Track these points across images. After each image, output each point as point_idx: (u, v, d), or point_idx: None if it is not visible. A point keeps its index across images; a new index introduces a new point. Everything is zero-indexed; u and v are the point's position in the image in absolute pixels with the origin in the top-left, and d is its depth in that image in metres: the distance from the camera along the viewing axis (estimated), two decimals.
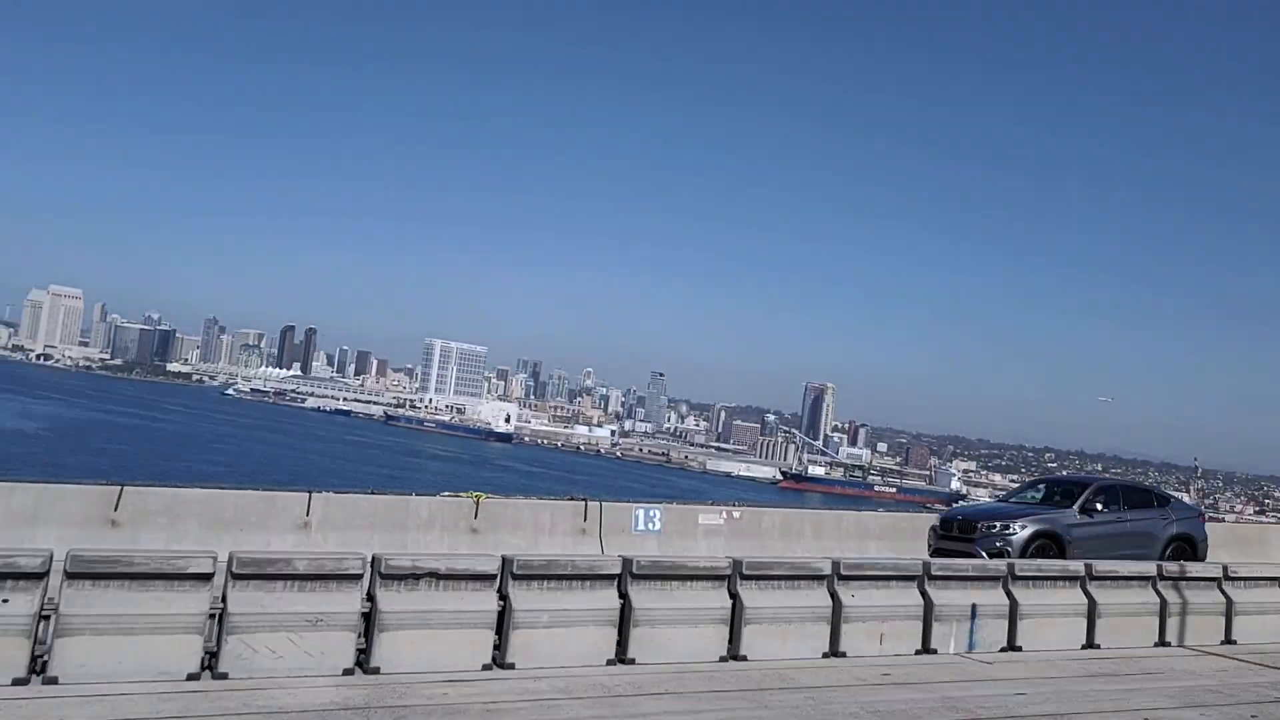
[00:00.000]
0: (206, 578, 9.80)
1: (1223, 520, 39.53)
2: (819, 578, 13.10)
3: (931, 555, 17.85)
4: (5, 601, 9.02)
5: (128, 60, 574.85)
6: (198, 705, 8.94)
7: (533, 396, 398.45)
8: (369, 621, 10.41)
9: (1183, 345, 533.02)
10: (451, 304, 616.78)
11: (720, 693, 10.77)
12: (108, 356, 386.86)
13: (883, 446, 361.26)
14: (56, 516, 14.94)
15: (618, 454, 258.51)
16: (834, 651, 12.82)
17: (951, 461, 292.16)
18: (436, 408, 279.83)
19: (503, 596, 11.08)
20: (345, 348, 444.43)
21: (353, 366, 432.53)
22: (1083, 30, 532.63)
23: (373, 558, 10.65)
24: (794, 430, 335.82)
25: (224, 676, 9.66)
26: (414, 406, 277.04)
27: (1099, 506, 19.01)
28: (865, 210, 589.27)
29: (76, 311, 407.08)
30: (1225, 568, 16.88)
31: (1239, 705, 11.92)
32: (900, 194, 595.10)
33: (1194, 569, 16.76)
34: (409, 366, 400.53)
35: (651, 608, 11.73)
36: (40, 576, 9.21)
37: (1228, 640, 16.11)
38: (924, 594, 13.75)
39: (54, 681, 9.04)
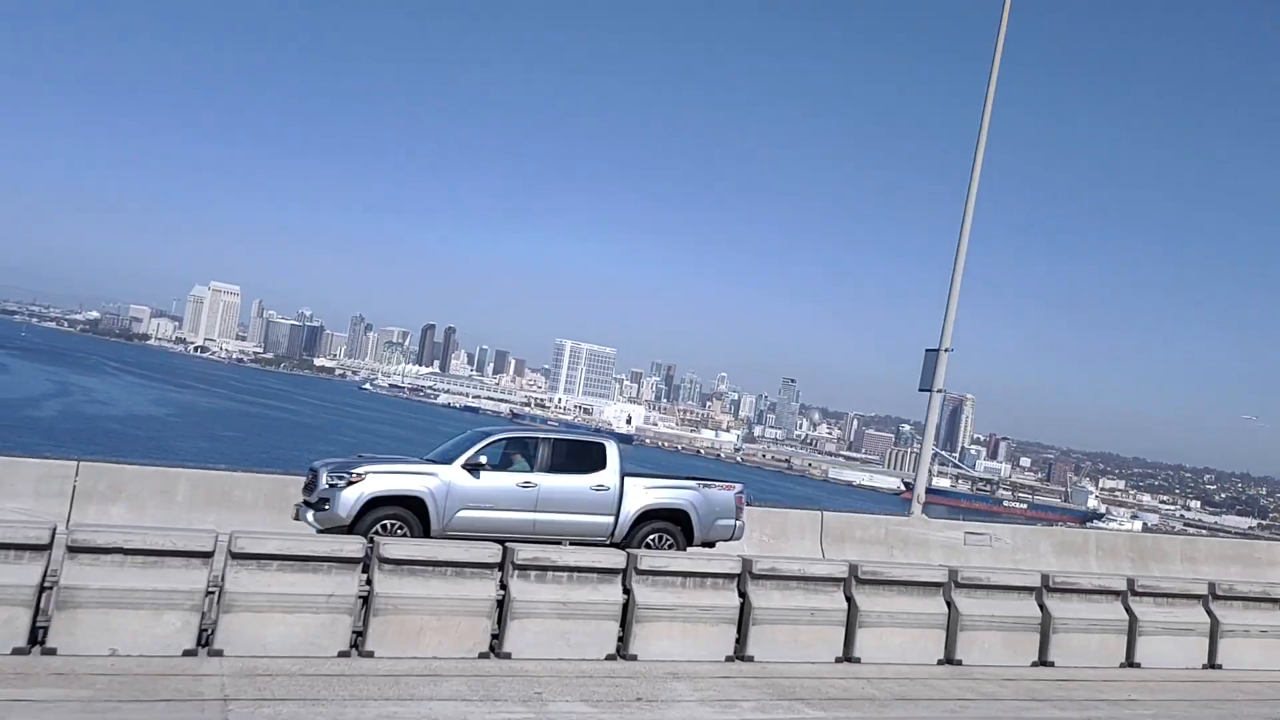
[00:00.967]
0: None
1: None
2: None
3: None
4: None
5: (274, 66, 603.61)
6: None
7: (664, 399, 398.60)
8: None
9: None
10: (588, 307, 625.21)
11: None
12: (261, 350, 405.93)
13: (1025, 461, 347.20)
14: None
15: (738, 459, 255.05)
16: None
17: (1084, 479, 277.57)
18: (565, 407, 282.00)
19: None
20: (485, 347, 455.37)
21: (491, 366, 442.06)
22: None
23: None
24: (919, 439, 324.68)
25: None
26: (542, 406, 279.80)
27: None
28: (1019, 209, 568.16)
29: (234, 307, 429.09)
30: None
31: None
32: (1058, 191, 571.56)
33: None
34: (545, 367, 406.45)
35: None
36: None
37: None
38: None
39: None
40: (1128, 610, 14.42)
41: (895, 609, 12.90)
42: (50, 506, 14.19)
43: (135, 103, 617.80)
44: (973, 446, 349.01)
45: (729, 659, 11.97)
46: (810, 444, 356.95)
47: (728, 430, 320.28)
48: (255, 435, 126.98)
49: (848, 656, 12.58)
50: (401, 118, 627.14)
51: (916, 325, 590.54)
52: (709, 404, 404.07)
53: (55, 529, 9.84)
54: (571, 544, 13.47)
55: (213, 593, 10.23)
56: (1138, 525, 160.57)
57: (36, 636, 9.52)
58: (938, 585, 13.28)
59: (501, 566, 11.29)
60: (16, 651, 9.33)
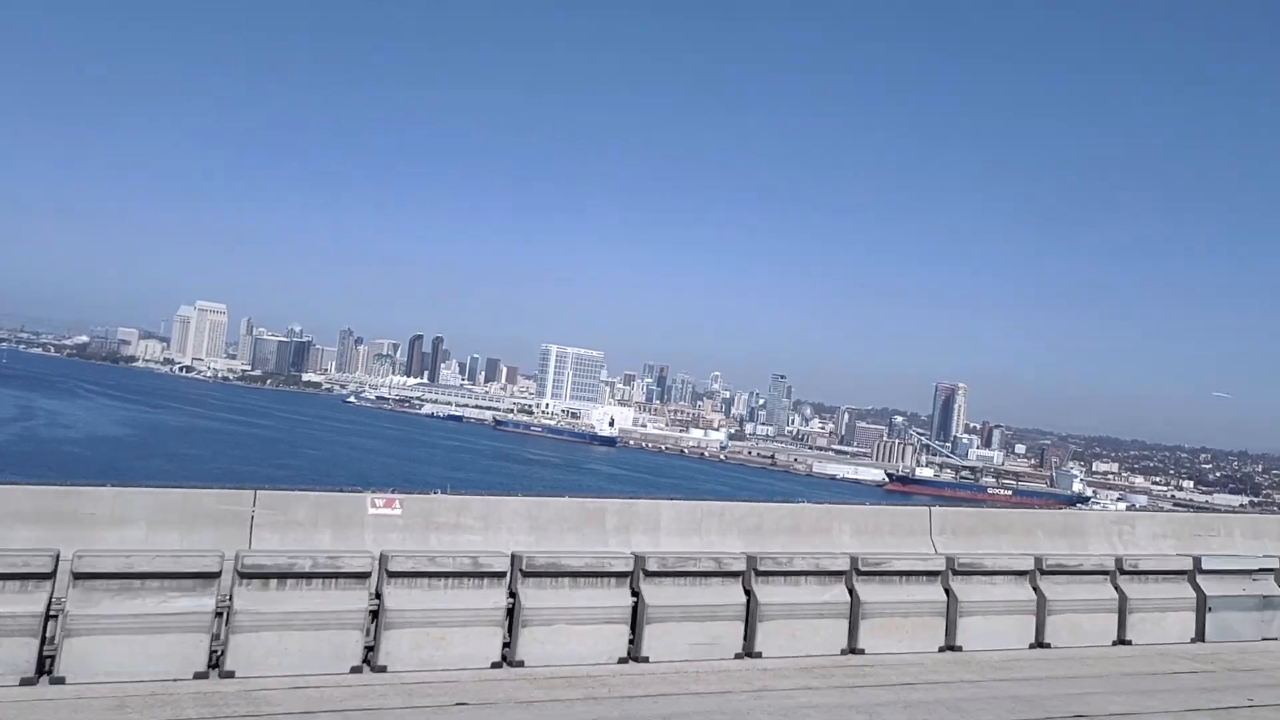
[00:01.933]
0: None
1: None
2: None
3: None
4: None
5: (259, 82, 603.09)
6: None
7: (655, 400, 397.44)
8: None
9: None
10: (581, 312, 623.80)
11: None
12: (249, 368, 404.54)
13: (1020, 448, 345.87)
14: None
15: (723, 457, 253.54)
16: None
17: (1072, 463, 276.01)
18: (551, 412, 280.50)
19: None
20: (476, 356, 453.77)
21: (483, 374, 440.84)
22: None
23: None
24: (912, 430, 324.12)
25: None
26: (528, 411, 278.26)
27: None
28: (1007, 199, 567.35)
29: (221, 326, 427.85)
30: None
31: None
32: (1049, 181, 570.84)
33: None
34: (536, 374, 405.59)
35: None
36: None
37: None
38: None
39: None
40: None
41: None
42: None
43: (118, 117, 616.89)
44: (965, 435, 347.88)
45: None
46: (801, 439, 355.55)
47: (718, 429, 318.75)
48: (221, 452, 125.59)
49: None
50: (387, 128, 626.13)
51: (908, 319, 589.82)
52: (699, 403, 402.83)
53: None
54: None
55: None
56: (1123, 507, 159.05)
57: None
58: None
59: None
60: None
